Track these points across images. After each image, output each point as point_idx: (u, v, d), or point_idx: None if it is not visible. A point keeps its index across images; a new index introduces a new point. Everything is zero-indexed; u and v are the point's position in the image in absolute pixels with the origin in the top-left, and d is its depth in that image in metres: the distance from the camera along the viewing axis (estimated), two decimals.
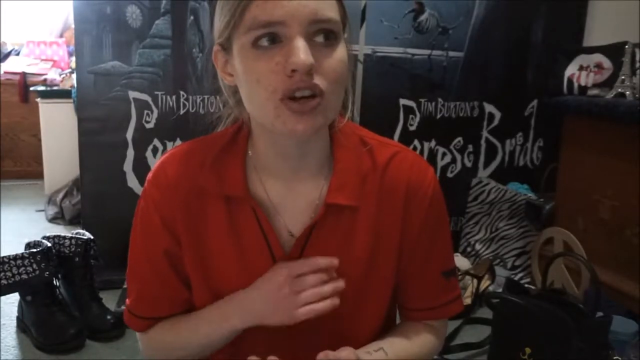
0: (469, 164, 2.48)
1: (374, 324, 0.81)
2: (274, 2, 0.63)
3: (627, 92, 1.83)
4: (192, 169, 0.77)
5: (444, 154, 2.44)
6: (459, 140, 2.44)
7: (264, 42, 0.64)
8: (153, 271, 0.80)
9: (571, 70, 2.07)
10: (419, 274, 0.81)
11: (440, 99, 2.38)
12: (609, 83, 1.93)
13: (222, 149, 0.78)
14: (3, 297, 1.79)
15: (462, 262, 2.18)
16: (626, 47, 1.87)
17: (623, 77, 1.86)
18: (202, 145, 0.80)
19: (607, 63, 1.96)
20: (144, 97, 2.04)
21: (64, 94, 3.25)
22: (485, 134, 2.48)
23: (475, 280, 2.05)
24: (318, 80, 0.65)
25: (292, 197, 0.77)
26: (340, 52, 0.67)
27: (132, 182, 2.07)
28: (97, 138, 2.02)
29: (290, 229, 0.76)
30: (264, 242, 0.76)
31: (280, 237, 0.76)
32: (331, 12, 0.66)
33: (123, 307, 0.93)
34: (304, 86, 0.64)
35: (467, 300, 1.99)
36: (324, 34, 0.65)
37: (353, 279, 0.76)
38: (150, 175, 0.80)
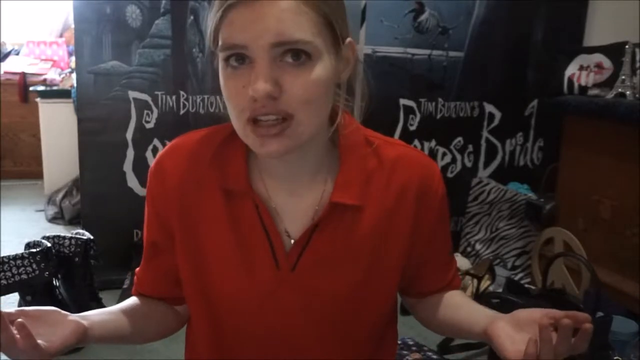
0: (469, 164, 2.48)
1: (376, 320, 0.81)
2: (235, 26, 0.64)
3: (627, 92, 1.83)
4: (191, 163, 0.77)
5: (444, 154, 2.44)
6: (459, 140, 2.44)
7: (233, 62, 0.66)
8: (144, 253, 0.84)
9: (571, 70, 2.07)
10: (434, 260, 0.85)
11: (440, 99, 2.38)
12: (609, 83, 1.93)
13: (222, 143, 0.78)
14: (3, 297, 1.79)
15: (462, 262, 2.18)
16: (626, 47, 1.87)
17: (623, 77, 1.86)
18: (202, 138, 0.79)
19: (607, 63, 1.96)
20: (144, 97, 2.03)
21: (63, 94, 3.26)
22: (485, 134, 2.48)
23: (475, 280, 2.05)
24: (284, 104, 0.64)
25: (292, 199, 0.77)
26: (316, 71, 0.65)
27: (132, 182, 2.06)
28: (97, 138, 2.02)
29: (290, 230, 0.76)
30: (265, 238, 0.75)
31: (281, 236, 0.76)
32: (300, 32, 0.64)
33: None
34: (267, 111, 0.64)
35: None
36: (292, 54, 0.64)
37: (354, 280, 0.76)
38: (151, 167, 0.81)
